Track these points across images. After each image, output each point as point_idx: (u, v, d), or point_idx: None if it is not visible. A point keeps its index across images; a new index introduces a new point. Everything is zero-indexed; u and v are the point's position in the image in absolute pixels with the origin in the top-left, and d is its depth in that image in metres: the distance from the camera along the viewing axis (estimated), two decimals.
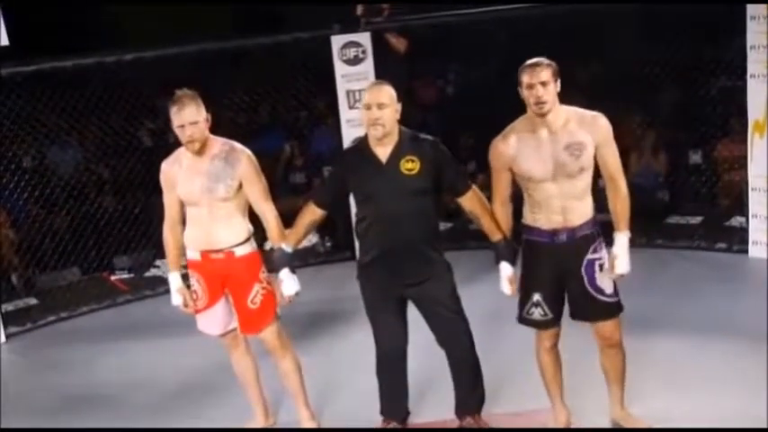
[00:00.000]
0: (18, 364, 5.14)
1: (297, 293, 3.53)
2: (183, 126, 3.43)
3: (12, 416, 4.24)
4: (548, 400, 3.60)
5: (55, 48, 5.91)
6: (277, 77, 6.87)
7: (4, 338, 5.46)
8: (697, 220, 6.29)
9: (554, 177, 3.21)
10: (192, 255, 3.61)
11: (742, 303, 4.81)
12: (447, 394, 3.65)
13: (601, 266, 3.31)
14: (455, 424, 3.65)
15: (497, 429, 3.64)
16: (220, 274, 3.57)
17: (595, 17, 5.90)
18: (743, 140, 5.69)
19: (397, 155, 3.33)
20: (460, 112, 7.23)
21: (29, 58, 5.58)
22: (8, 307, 5.82)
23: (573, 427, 3.59)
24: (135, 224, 6.55)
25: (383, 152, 3.34)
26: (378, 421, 3.69)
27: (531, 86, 3.15)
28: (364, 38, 6.08)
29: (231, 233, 3.53)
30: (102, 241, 6.50)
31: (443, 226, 6.07)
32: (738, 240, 5.80)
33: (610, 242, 3.32)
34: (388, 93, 3.33)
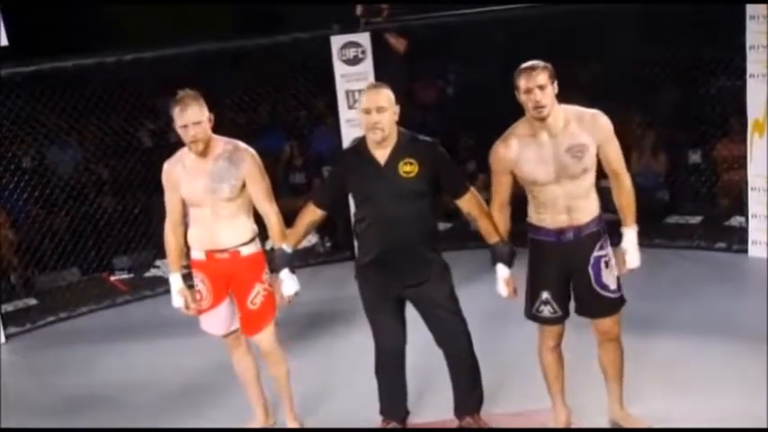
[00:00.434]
0: (18, 364, 5.14)
1: (296, 294, 3.53)
2: (186, 126, 3.41)
3: (11, 416, 4.23)
4: (547, 400, 3.60)
5: (54, 48, 5.91)
6: (277, 77, 6.87)
7: (3, 339, 5.46)
8: (696, 219, 6.29)
9: (557, 180, 3.21)
10: (197, 255, 3.60)
11: (742, 303, 4.81)
12: (446, 394, 3.65)
13: (606, 263, 3.31)
14: (454, 424, 3.66)
15: (497, 429, 3.64)
16: (225, 273, 3.56)
17: (595, 17, 5.90)
18: (742, 140, 5.69)
19: (395, 157, 3.32)
20: (460, 113, 7.23)
21: (28, 58, 5.58)
22: (8, 307, 5.82)
23: (573, 427, 3.59)
24: (134, 224, 6.55)
25: (382, 154, 3.34)
26: (377, 421, 3.69)
27: (528, 91, 3.14)
28: (364, 38, 6.08)
29: (236, 233, 3.53)
30: (101, 242, 6.50)
31: (443, 226, 6.08)
32: (738, 240, 5.80)
33: (614, 241, 3.32)
34: (386, 96, 3.31)
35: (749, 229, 5.68)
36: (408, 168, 3.31)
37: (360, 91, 5.59)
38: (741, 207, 5.89)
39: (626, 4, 5.98)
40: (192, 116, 3.40)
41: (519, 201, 3.42)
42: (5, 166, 6.13)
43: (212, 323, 3.68)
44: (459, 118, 7.14)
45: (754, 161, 5.58)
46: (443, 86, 8.18)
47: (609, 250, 3.33)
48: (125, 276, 6.48)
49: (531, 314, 3.43)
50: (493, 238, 3.40)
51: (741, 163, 5.83)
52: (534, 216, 3.33)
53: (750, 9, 5.34)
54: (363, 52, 6.08)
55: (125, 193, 6.74)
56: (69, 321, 5.80)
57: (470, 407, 3.62)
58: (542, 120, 3.17)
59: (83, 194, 6.56)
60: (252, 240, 3.56)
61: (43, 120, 6.31)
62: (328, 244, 6.60)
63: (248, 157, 3.50)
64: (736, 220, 6.04)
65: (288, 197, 6.25)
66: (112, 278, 6.45)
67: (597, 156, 3.24)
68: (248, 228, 3.57)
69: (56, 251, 6.29)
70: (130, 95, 6.45)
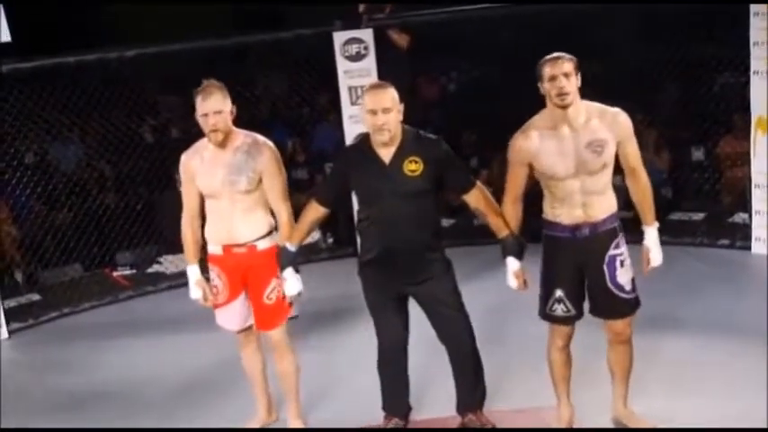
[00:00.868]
0: (20, 360, 5.15)
1: (299, 294, 3.53)
2: (206, 115, 3.39)
3: (14, 412, 4.24)
4: (550, 398, 3.59)
5: (56, 46, 5.91)
6: (279, 74, 6.87)
7: (6, 335, 5.46)
8: (700, 216, 6.28)
9: (576, 174, 3.19)
10: (214, 249, 3.58)
11: (744, 300, 4.80)
12: (449, 391, 3.65)
13: (622, 262, 3.30)
14: (457, 421, 3.65)
15: (499, 427, 3.63)
16: (242, 268, 3.54)
17: (598, 14, 5.89)
18: (746, 137, 5.69)
19: (399, 156, 3.31)
20: (462, 110, 7.23)
21: (30, 54, 5.58)
22: (10, 303, 5.82)
23: (576, 425, 3.58)
24: (137, 220, 6.55)
25: (386, 152, 3.32)
26: (379, 418, 3.69)
27: (553, 78, 3.13)
28: (366, 34, 6.08)
29: (253, 227, 3.51)
30: (104, 238, 6.50)
31: (446, 222, 6.07)
32: (741, 237, 5.79)
33: (628, 239, 3.32)
34: (391, 96, 3.28)
35: (752, 226, 5.68)
36: (413, 167, 3.30)
37: (362, 87, 5.59)
38: (744, 204, 5.89)
39: (629, 3, 5.96)
40: (213, 105, 3.38)
41: (534, 196, 3.39)
42: (8, 162, 6.13)
43: (228, 318, 3.66)
44: (462, 114, 7.13)
45: (757, 158, 5.57)
46: (446, 83, 8.17)
47: (625, 249, 3.31)
48: (127, 272, 6.48)
49: (545, 313, 3.40)
50: (503, 232, 3.36)
51: (744, 160, 5.83)
52: (549, 211, 3.31)
53: (753, 6, 5.33)
54: (366, 48, 6.08)
55: (127, 189, 6.75)
56: (72, 317, 5.81)
57: (473, 403, 3.61)
58: (564, 107, 3.16)
59: (85, 190, 6.56)
60: (269, 234, 3.54)
61: (45, 116, 6.31)
62: (330, 240, 6.60)
63: (267, 150, 3.49)
64: (740, 217, 6.03)
65: (290, 193, 6.25)
66: (115, 274, 6.46)
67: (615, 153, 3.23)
68: (265, 221, 3.55)
69: (58, 247, 6.29)
70: (132, 91, 6.45)
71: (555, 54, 3.19)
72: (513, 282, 3.38)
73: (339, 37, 6.09)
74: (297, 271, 3.49)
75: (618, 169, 3.30)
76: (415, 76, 7.35)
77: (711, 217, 6.22)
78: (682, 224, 6.22)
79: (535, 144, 3.23)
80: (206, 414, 4.08)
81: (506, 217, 3.37)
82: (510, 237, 3.35)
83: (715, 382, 3.87)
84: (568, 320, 3.38)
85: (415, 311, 3.53)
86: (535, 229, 3.42)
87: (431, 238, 3.39)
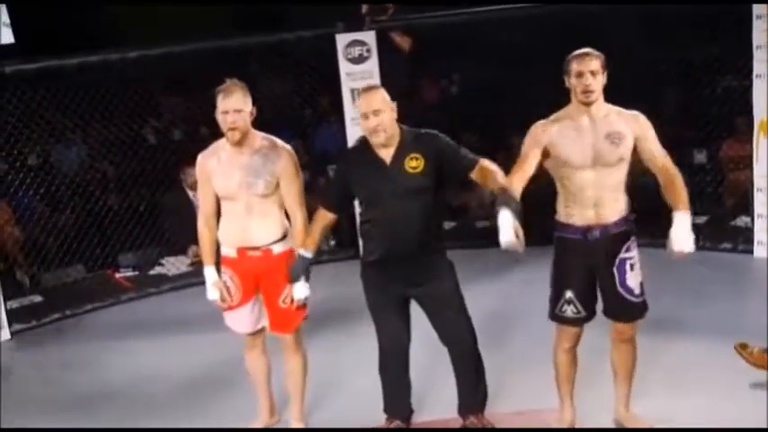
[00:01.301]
0: (22, 361, 5.15)
1: (306, 298, 3.54)
2: (226, 112, 3.38)
3: (16, 413, 4.24)
4: (551, 401, 3.59)
5: (56, 46, 5.92)
6: (282, 75, 6.87)
7: (8, 335, 5.46)
8: (702, 219, 6.27)
9: (592, 165, 3.19)
10: (228, 251, 3.57)
11: (746, 304, 4.80)
12: (450, 393, 3.64)
13: (632, 266, 3.30)
14: (458, 423, 3.65)
15: (501, 429, 3.63)
16: (256, 272, 3.53)
17: (599, 17, 5.89)
18: (748, 140, 5.68)
19: (400, 155, 3.32)
20: (463, 112, 7.23)
21: (34, 56, 5.59)
22: (13, 304, 5.82)
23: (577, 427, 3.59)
24: (139, 222, 6.55)
25: (386, 153, 3.33)
26: (381, 420, 3.69)
27: (580, 74, 3.15)
28: (369, 36, 6.08)
29: (268, 230, 3.50)
30: (106, 239, 6.51)
31: (447, 225, 6.07)
32: (743, 240, 5.79)
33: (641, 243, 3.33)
34: (380, 97, 3.30)
35: (754, 230, 5.67)
36: (414, 164, 3.30)
37: None
38: (746, 207, 5.88)
39: (632, 4, 5.96)
40: (234, 103, 3.38)
41: (546, 197, 3.39)
42: (11, 163, 6.14)
43: (238, 320, 3.65)
44: (463, 117, 7.13)
45: (759, 161, 5.57)
46: (447, 85, 8.18)
47: (635, 253, 3.31)
48: (130, 274, 6.48)
49: (554, 315, 3.40)
50: (500, 188, 3.06)
51: (747, 163, 5.82)
52: (562, 211, 3.30)
53: (756, 8, 5.33)
54: (368, 51, 6.08)
55: (130, 191, 6.75)
56: (74, 318, 5.80)
57: (474, 406, 3.61)
58: (588, 104, 3.18)
59: (88, 192, 6.57)
60: (284, 238, 3.54)
61: (48, 117, 6.32)
62: (332, 242, 6.60)
63: (286, 154, 3.48)
64: (742, 221, 6.03)
65: None
66: (117, 275, 6.46)
67: (636, 151, 3.23)
68: (280, 225, 3.53)
69: (61, 248, 6.29)
70: (135, 93, 6.46)
71: (584, 50, 3.21)
72: (507, 232, 2.90)
73: (342, 39, 6.09)
74: (307, 278, 3.49)
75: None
76: (417, 79, 7.37)
77: (714, 220, 6.21)
78: None
79: (554, 131, 3.23)
80: (208, 414, 4.08)
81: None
82: (507, 192, 3.02)
83: (716, 384, 3.87)
84: (578, 322, 3.38)
85: (417, 313, 3.53)
86: (545, 231, 3.41)
87: (433, 240, 3.39)
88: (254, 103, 3.53)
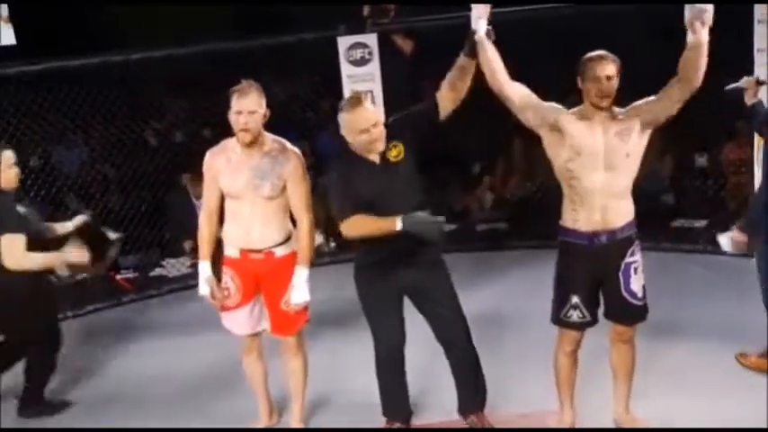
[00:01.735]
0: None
1: (306, 303, 3.54)
2: (240, 113, 3.38)
3: (16, 414, 4.24)
4: (551, 403, 3.60)
5: (57, 48, 5.92)
6: (284, 78, 6.87)
7: None
8: (702, 223, 6.27)
9: (601, 165, 3.18)
10: (231, 252, 3.57)
11: (746, 307, 4.79)
12: (450, 394, 3.65)
13: (636, 270, 3.30)
14: (459, 424, 3.65)
15: (501, 429, 3.63)
16: (257, 274, 3.54)
17: (599, 19, 5.89)
18: (749, 144, 5.67)
19: (384, 152, 3.33)
20: (465, 113, 7.22)
21: (35, 57, 5.59)
22: None
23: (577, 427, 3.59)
24: (140, 224, 6.56)
25: (374, 156, 3.33)
26: (382, 422, 3.69)
27: (597, 79, 3.16)
28: (371, 39, 6.09)
29: (272, 232, 3.50)
30: None
31: (447, 228, 6.07)
32: None
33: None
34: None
35: None
36: (395, 152, 3.32)
37: (366, 92, 5.60)
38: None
39: (633, 4, 5.96)
40: (248, 104, 3.38)
41: (551, 199, 3.39)
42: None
43: (236, 322, 3.65)
44: (463, 118, 7.13)
45: (760, 165, 5.56)
46: None
47: (639, 257, 3.32)
48: (131, 275, 6.49)
49: (559, 319, 3.39)
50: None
51: (747, 167, 5.82)
52: (568, 216, 3.29)
53: (757, 12, 5.33)
54: (370, 53, 6.08)
55: (131, 192, 6.76)
56: (75, 320, 5.80)
57: (474, 405, 3.62)
58: (601, 109, 3.19)
59: (89, 193, 6.58)
60: (287, 240, 3.54)
61: (49, 119, 6.33)
62: (333, 244, 6.61)
63: (295, 158, 3.48)
64: None
65: None
66: (118, 277, 6.46)
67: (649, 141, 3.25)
68: (284, 228, 3.53)
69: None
70: (136, 95, 6.47)
71: (600, 53, 3.20)
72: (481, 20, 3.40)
73: (343, 41, 6.10)
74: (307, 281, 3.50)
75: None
76: (418, 81, 7.37)
77: (714, 224, 6.21)
78: (684, 231, 6.23)
79: (567, 122, 3.22)
80: (208, 415, 4.08)
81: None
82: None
83: (715, 385, 3.87)
84: (583, 326, 3.38)
85: (414, 315, 3.54)
86: (548, 235, 3.41)
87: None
88: None
